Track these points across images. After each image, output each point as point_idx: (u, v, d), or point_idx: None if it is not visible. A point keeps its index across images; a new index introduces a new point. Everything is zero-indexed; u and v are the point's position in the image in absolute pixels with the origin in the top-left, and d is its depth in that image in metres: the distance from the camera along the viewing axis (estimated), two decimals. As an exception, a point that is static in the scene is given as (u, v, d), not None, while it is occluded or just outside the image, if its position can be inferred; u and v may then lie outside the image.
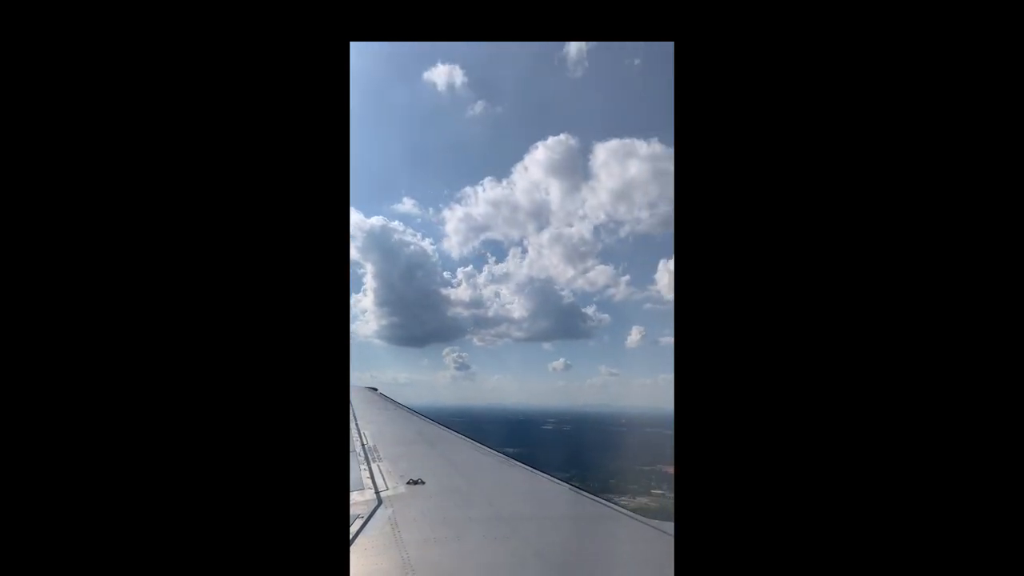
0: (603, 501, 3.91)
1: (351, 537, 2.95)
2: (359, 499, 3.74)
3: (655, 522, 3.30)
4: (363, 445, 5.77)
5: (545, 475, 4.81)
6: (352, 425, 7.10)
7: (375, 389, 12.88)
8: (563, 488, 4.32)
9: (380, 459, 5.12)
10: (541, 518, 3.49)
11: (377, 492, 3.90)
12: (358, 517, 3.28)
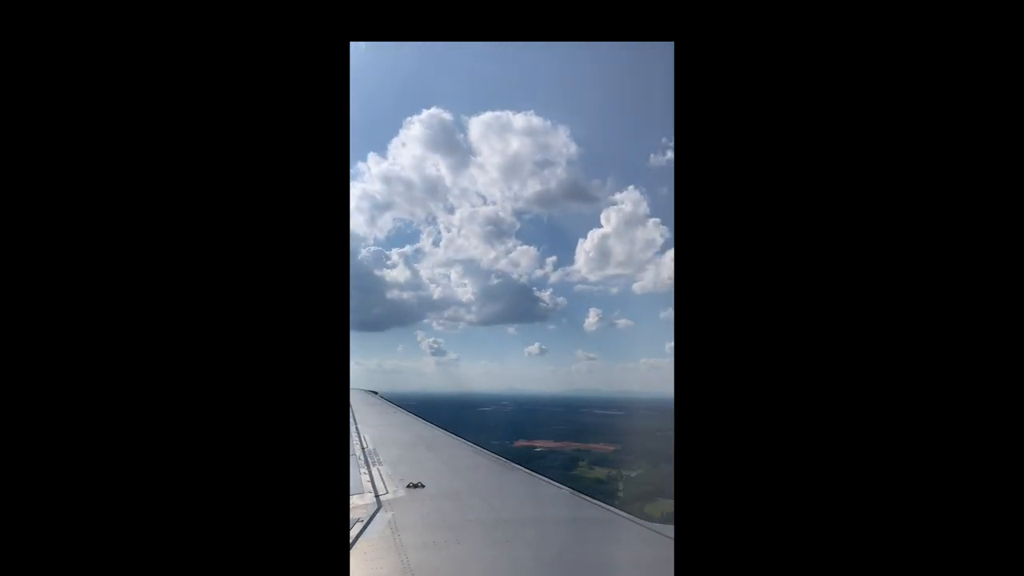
0: (603, 505, 3.90)
1: (351, 541, 2.94)
2: (359, 503, 3.72)
3: (656, 525, 3.29)
4: (363, 448, 5.75)
5: (545, 479, 4.80)
6: (352, 428, 7.09)
7: (375, 392, 12.89)
8: (563, 492, 4.31)
9: (380, 463, 5.10)
10: (541, 522, 3.48)
11: (377, 496, 3.88)
12: (358, 521, 3.27)
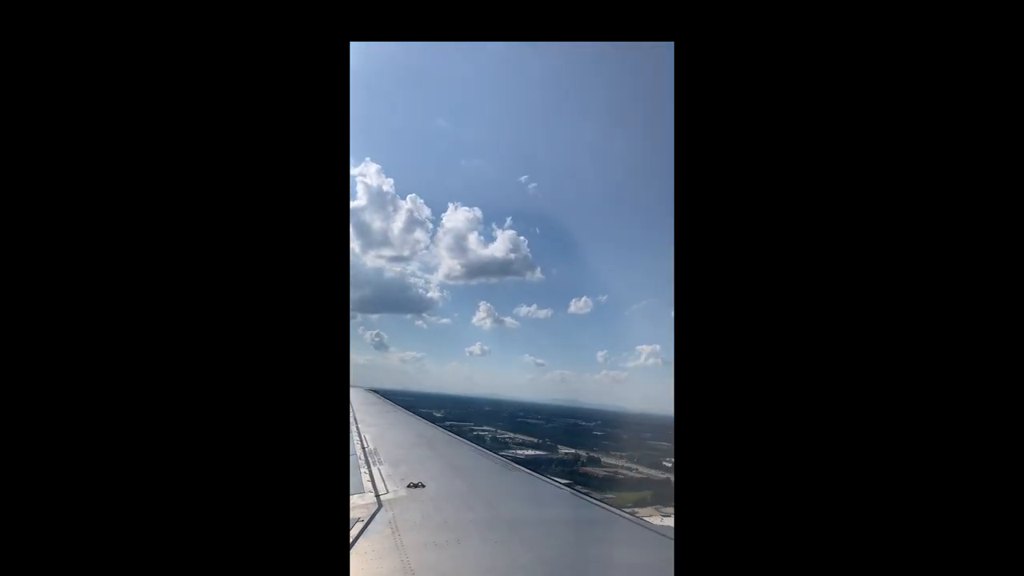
0: (604, 505, 3.90)
1: (352, 540, 2.94)
2: (359, 502, 3.72)
3: (656, 526, 3.28)
4: (363, 448, 5.75)
5: (546, 479, 4.80)
6: (352, 428, 7.09)
7: (375, 391, 12.91)
8: (564, 492, 4.31)
9: (380, 462, 5.10)
10: (541, 522, 3.48)
11: (377, 495, 3.88)
12: (358, 520, 3.26)
